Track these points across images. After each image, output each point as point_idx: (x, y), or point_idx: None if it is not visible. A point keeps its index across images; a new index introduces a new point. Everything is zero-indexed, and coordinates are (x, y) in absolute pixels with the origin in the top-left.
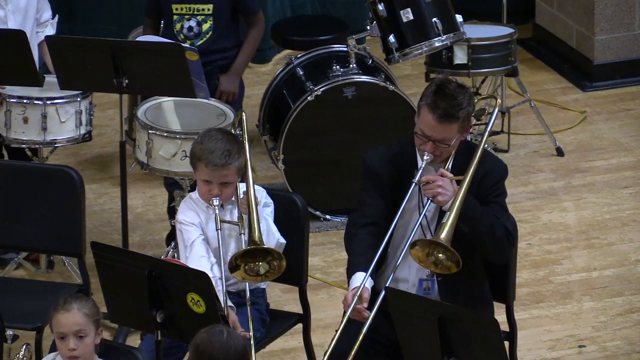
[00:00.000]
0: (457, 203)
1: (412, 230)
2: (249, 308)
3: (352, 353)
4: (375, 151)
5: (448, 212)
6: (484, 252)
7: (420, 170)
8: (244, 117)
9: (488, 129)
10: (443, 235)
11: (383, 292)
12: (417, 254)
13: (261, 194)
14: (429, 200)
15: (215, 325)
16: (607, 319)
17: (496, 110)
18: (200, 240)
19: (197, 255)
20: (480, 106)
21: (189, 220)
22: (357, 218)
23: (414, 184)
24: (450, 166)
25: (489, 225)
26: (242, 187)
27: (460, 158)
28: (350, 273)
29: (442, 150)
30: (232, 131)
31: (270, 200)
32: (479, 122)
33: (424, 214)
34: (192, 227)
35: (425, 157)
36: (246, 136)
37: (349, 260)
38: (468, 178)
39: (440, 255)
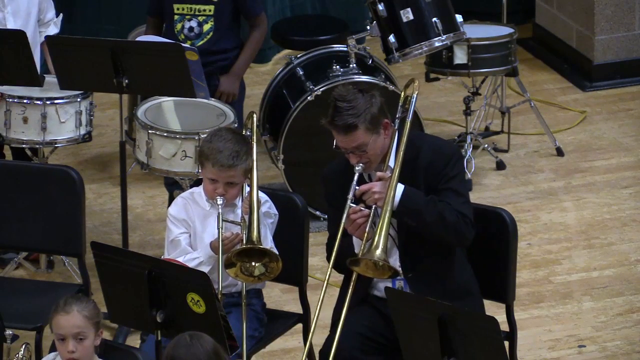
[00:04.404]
0: (388, 204)
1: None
2: (244, 308)
3: (335, 342)
4: (330, 165)
5: (379, 218)
6: (439, 239)
7: (354, 183)
8: (255, 118)
9: (409, 118)
10: (378, 252)
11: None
12: (363, 270)
13: (264, 202)
14: (374, 208)
15: (181, 334)
16: (607, 319)
17: (415, 94)
18: (182, 238)
19: (177, 255)
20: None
21: (176, 216)
22: (329, 243)
23: (348, 200)
24: (392, 164)
25: (437, 214)
26: (247, 188)
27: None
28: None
29: (367, 157)
30: (244, 132)
31: (274, 212)
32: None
33: (371, 221)
34: (177, 224)
35: (356, 169)
36: (255, 138)
37: (339, 250)
38: (396, 175)
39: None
